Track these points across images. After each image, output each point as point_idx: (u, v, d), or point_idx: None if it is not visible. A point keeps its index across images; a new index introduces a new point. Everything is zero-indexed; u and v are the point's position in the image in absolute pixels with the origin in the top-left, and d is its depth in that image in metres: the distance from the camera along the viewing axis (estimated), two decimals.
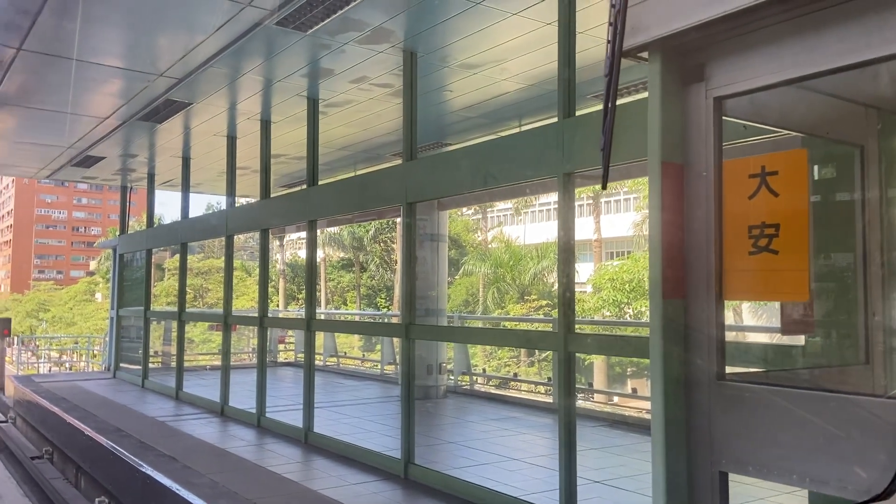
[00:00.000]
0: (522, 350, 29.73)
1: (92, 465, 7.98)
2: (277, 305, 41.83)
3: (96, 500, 7.44)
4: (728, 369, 2.51)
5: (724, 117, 2.52)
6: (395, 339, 12.96)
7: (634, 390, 14.37)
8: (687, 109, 2.54)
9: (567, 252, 4.81)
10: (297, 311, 34.07)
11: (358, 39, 6.33)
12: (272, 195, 9.37)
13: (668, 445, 2.48)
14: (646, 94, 2.74)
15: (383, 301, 46.76)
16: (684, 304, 2.53)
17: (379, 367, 14.75)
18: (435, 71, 7.15)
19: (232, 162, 10.14)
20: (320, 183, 8.25)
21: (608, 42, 2.44)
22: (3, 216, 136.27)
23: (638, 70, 2.82)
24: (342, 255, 50.51)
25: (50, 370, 21.28)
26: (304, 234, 8.95)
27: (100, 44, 6.84)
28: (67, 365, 24.46)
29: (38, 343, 28.12)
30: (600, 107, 6.43)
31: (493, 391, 12.29)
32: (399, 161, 7.69)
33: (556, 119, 5.12)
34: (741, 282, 2.44)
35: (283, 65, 7.19)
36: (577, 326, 4.84)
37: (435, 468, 6.16)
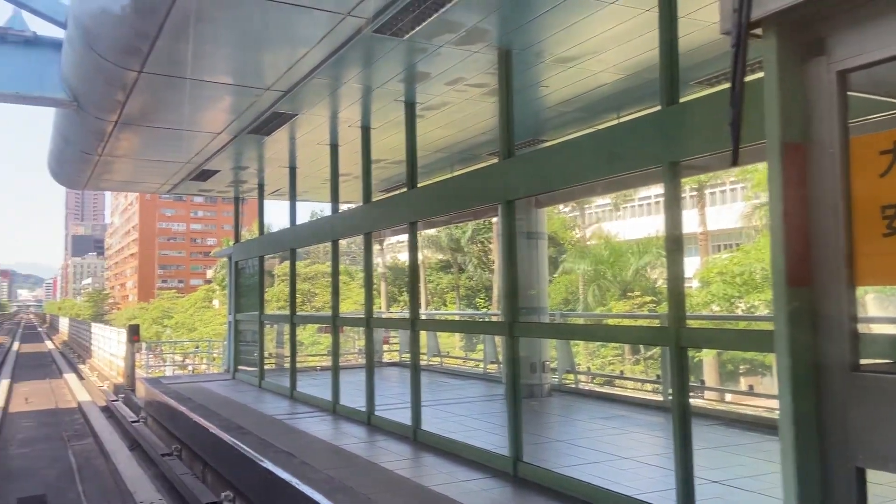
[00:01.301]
0: (626, 348, 29.02)
1: (217, 461, 8.45)
2: (379, 308, 42.80)
3: (222, 494, 7.87)
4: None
5: (848, 92, 2.37)
6: (497, 339, 12.98)
7: (751, 387, 13.72)
8: (807, 86, 2.40)
9: (675, 243, 4.67)
10: (399, 312, 34.75)
11: (453, 41, 6.39)
12: (374, 199, 9.61)
13: (799, 441, 2.35)
14: (758, 75, 2.62)
15: (482, 301, 46.90)
16: (811, 291, 2.40)
17: (481, 366, 14.81)
18: (530, 67, 7.12)
19: (335, 169, 10.48)
20: (419, 185, 8.38)
21: (734, 10, 2.38)
22: (128, 231, 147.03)
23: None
24: (440, 256, 51.11)
25: (174, 373, 22.67)
26: (403, 238, 9.15)
27: (211, 63, 7.22)
28: (190, 368, 26.00)
29: (162, 348, 30.05)
30: (704, 93, 6.20)
31: (598, 389, 12.07)
32: (496, 160, 7.70)
33: (658, 108, 4.99)
34: (875, 266, 2.28)
35: (381, 71, 7.36)
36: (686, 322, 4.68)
37: (545, 466, 6.12)
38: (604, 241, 38.58)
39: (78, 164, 11.20)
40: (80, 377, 24.43)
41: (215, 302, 66.59)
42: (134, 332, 18.40)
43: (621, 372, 19.88)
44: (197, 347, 33.00)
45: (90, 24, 6.46)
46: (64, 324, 62.62)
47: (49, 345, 49.60)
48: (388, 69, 7.25)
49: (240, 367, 14.42)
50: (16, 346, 45.48)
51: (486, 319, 19.57)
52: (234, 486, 7.74)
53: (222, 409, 10.12)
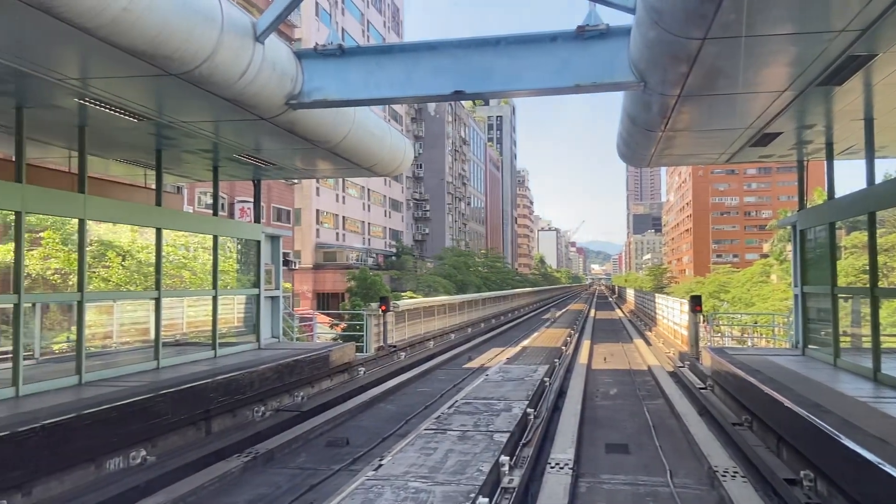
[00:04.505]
0: None
1: (794, 437, 8.00)
2: None
3: (801, 472, 7.43)
4: None
5: None
6: None
7: None
8: None
9: None
10: None
11: None
12: None
13: None
14: None
15: None
16: None
17: None
18: None
19: None
20: None
21: None
22: (682, 207, 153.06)
23: None
24: None
25: (729, 345, 22.56)
26: None
27: (773, 13, 6.74)
28: (749, 342, 25.53)
29: (720, 320, 30.18)
30: None
31: None
32: None
33: None
34: None
35: None
36: None
37: None
38: None
39: (643, 142, 12.01)
40: (648, 343, 26.52)
41: (773, 277, 63.71)
42: (696, 303, 18.95)
43: None
44: (755, 322, 32.14)
45: (657, 2, 6.78)
46: (630, 294, 69.11)
47: (618, 313, 55.46)
48: None
49: (809, 344, 13.41)
50: (592, 312, 52.31)
51: None
52: (815, 465, 7.21)
53: (795, 385, 9.54)
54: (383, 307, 20.97)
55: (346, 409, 12.30)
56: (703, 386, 14.27)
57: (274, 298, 16.70)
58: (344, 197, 62.08)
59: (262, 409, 11.81)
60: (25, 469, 7.07)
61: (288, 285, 34.28)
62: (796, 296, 14.05)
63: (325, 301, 52.93)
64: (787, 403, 8.18)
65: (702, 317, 19.80)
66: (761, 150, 12.92)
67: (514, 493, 6.97)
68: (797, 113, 10.30)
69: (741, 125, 10.99)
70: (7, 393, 8.94)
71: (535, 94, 9.67)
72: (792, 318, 15.06)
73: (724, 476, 7.63)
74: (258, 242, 15.72)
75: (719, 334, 24.23)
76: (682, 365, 17.98)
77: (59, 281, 13.44)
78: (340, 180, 59.28)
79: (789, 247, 14.40)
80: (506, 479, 7.18)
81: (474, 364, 20.50)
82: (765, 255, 77.46)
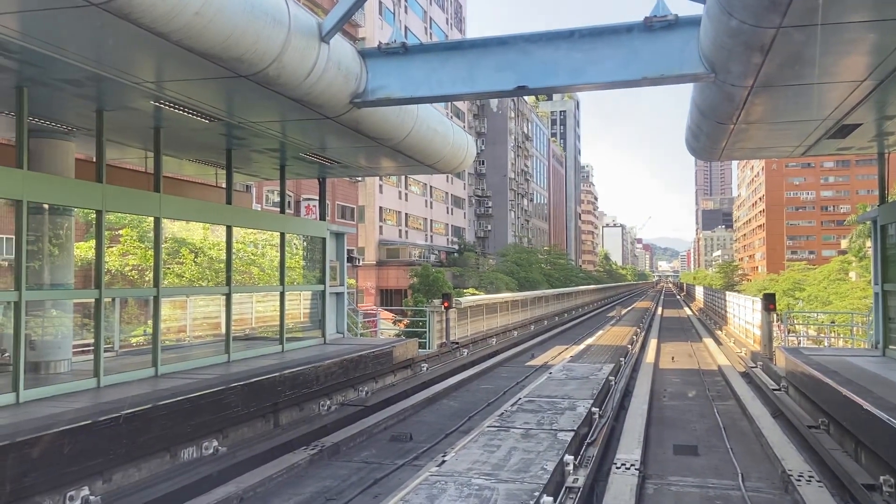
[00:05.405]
0: None
1: (873, 441, 7.65)
2: None
3: (881, 478, 7.09)
4: None
5: None
6: None
7: None
8: None
9: None
10: None
11: None
12: None
13: None
14: None
15: None
16: None
17: None
18: None
19: None
20: None
21: None
22: (755, 202, 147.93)
23: None
24: None
25: (803, 344, 21.67)
26: None
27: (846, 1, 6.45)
28: (826, 342, 24.47)
29: (794, 319, 29.06)
30: None
31: None
32: None
33: None
34: None
35: None
36: None
37: None
38: None
39: (713, 135, 11.64)
40: (718, 342, 25.76)
41: (851, 274, 60.83)
42: (769, 301, 18.30)
43: None
44: (833, 321, 30.78)
45: None
46: (699, 292, 67.30)
47: (686, 311, 54.10)
48: None
49: (890, 345, 12.75)
50: (659, 310, 51.16)
51: None
52: None
53: (874, 387, 9.10)
54: (446, 304, 21.05)
55: (410, 405, 12.40)
56: (776, 387, 13.78)
57: (338, 294, 16.98)
58: (407, 194, 62.58)
59: (328, 402, 12.04)
60: (105, 457, 7.40)
61: (352, 281, 34.77)
62: (876, 294, 13.39)
63: (388, 297, 53.49)
64: (867, 406, 7.82)
65: (775, 316, 19.10)
66: (839, 142, 12.35)
67: (579, 493, 6.87)
68: (877, 103, 9.81)
69: (818, 116, 10.53)
70: (89, 384, 9.38)
71: (600, 89, 9.50)
72: (872, 317, 14.36)
73: (799, 480, 7.35)
74: (324, 239, 16.01)
75: (794, 334, 23.33)
76: (754, 365, 17.40)
77: (136, 277, 14.03)
78: (403, 178, 59.81)
79: (869, 243, 13.65)
80: (570, 479, 7.10)
81: (537, 362, 20.36)
82: (843, 252, 74.06)
